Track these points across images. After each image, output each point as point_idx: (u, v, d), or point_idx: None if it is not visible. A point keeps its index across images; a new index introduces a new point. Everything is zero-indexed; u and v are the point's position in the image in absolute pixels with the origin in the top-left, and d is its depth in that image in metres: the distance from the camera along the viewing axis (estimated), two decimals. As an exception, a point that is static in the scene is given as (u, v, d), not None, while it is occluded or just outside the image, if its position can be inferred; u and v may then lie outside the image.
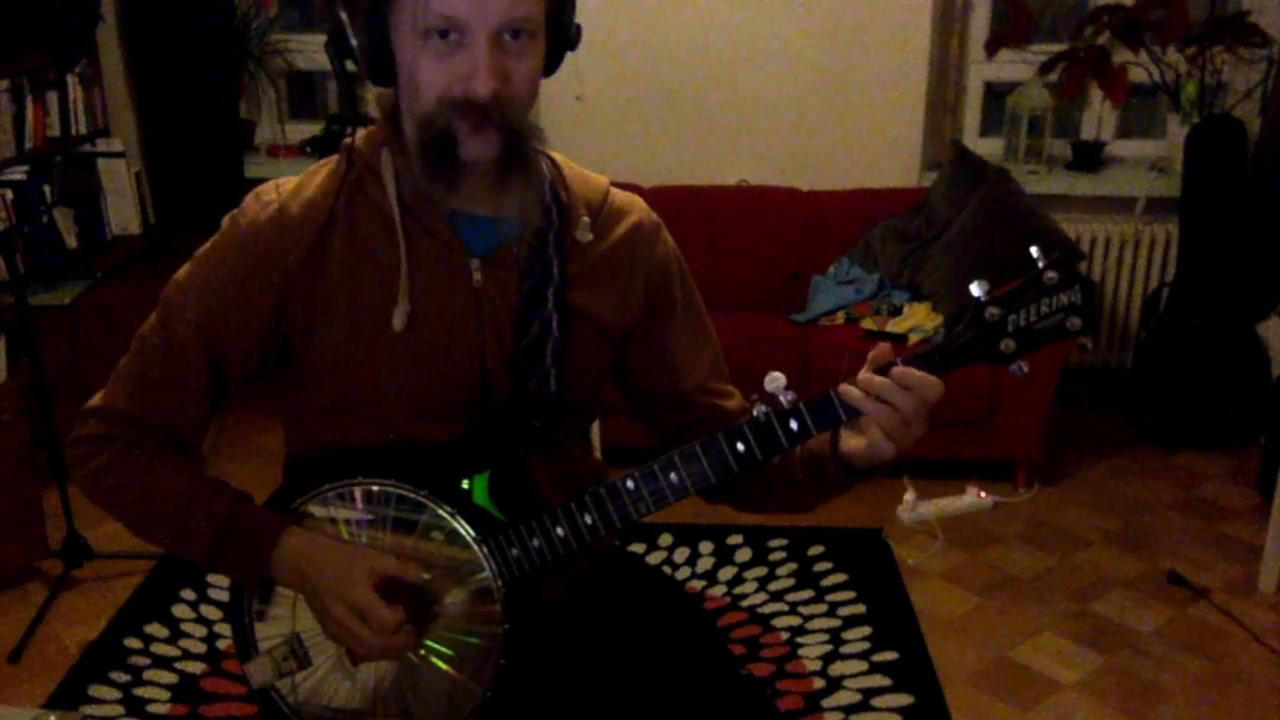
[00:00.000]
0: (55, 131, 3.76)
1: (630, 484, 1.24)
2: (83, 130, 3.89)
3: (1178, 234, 3.80)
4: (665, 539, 3.10)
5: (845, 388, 1.18)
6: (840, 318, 3.62)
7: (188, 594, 2.83)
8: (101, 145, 3.96)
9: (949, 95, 4.02)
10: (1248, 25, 3.56)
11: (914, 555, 3.07)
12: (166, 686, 2.50)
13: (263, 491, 1.36)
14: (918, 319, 3.50)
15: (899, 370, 1.17)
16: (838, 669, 2.57)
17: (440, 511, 1.27)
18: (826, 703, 2.45)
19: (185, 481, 1.28)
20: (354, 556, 1.25)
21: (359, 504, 1.28)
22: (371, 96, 1.31)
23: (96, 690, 2.48)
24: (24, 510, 2.86)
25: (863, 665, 2.58)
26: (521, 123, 1.20)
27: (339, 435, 1.31)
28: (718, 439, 1.21)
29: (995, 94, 4.13)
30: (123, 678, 2.53)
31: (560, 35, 1.24)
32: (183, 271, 1.30)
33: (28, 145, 3.60)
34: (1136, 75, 3.62)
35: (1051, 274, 1.16)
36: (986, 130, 4.18)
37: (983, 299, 1.17)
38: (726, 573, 2.96)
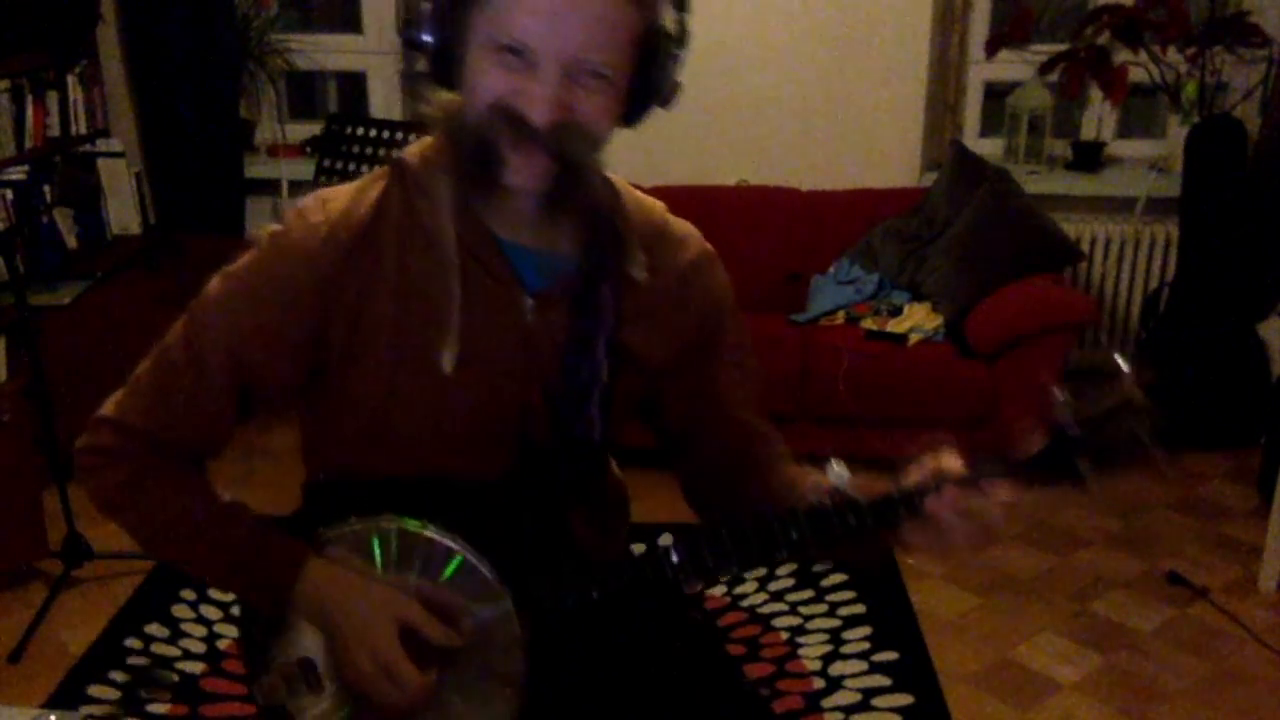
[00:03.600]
0: (55, 131, 3.76)
1: (675, 558, 1.18)
2: (83, 130, 3.89)
3: (1178, 234, 3.80)
4: (665, 539, 3.09)
5: (933, 502, 1.11)
6: (840, 318, 3.62)
7: (188, 594, 2.83)
8: (101, 145, 3.96)
9: (949, 95, 4.02)
10: (1248, 25, 3.56)
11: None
12: (166, 686, 2.50)
13: (265, 491, 1.33)
14: (918, 319, 3.50)
15: (990, 486, 1.12)
16: (838, 669, 2.57)
17: (471, 559, 1.20)
18: (826, 703, 2.45)
19: (203, 506, 1.23)
20: (380, 602, 1.18)
21: (389, 542, 1.22)
22: (429, 108, 1.22)
23: (96, 690, 2.48)
24: (24, 510, 2.86)
25: (863, 665, 2.58)
26: (579, 156, 1.12)
27: (366, 465, 1.25)
28: (771, 523, 1.16)
29: (995, 94, 4.13)
30: (123, 678, 2.52)
31: (649, 89, 1.17)
32: (214, 287, 1.23)
33: (28, 145, 3.60)
34: (1136, 75, 3.62)
35: (1139, 396, 1.11)
36: (986, 130, 4.18)
37: (1064, 418, 1.12)
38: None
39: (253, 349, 1.19)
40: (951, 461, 1.15)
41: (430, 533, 1.20)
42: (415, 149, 1.23)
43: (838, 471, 1.16)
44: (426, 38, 1.14)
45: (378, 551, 1.21)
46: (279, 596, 1.21)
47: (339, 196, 1.22)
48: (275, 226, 1.22)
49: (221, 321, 1.20)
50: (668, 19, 1.15)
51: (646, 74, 1.15)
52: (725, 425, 1.36)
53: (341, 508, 1.24)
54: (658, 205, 1.33)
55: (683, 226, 1.34)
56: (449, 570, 1.20)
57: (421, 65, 1.17)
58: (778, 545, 1.16)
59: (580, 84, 1.10)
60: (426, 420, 1.21)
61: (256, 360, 1.20)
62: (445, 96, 1.18)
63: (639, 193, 1.31)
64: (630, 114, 1.18)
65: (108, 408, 1.25)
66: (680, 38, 1.16)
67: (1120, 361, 1.12)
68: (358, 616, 1.18)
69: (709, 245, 1.35)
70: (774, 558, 1.18)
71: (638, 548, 2.97)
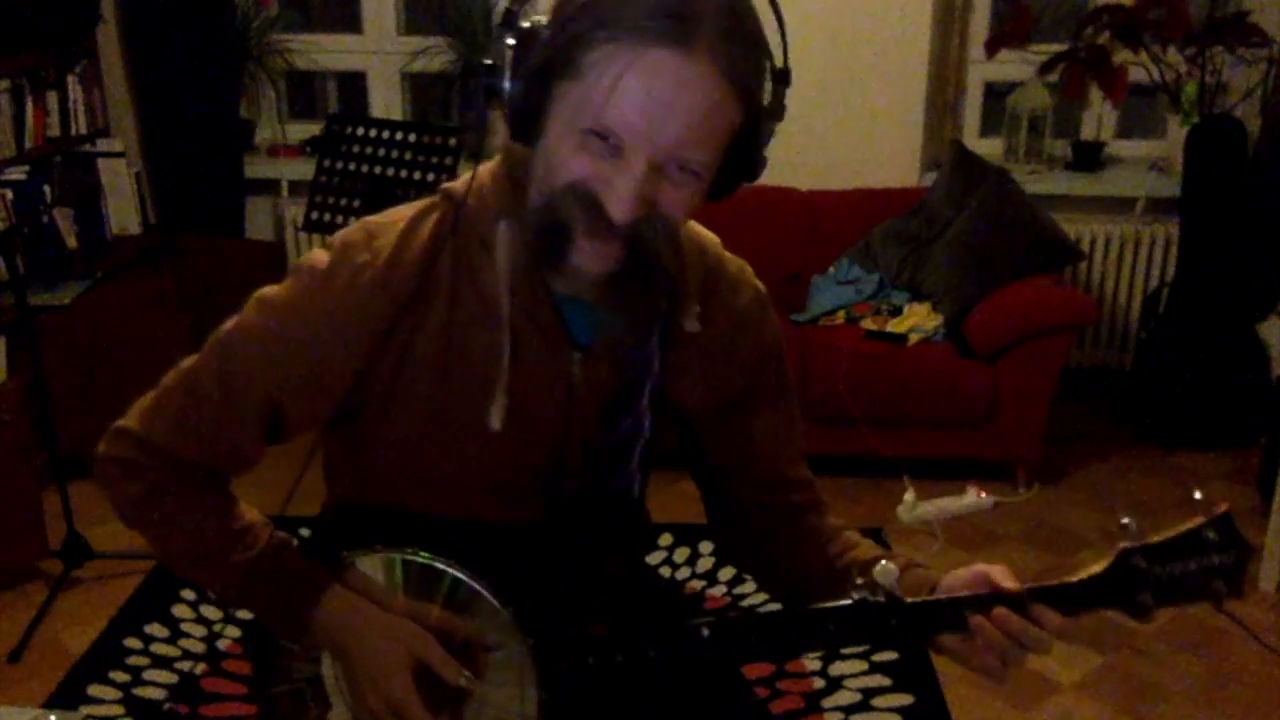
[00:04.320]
0: (55, 131, 3.76)
1: (706, 633, 1.12)
2: (83, 130, 3.89)
3: (1178, 234, 3.80)
4: (665, 539, 3.10)
5: (979, 618, 1.08)
6: (840, 318, 3.62)
7: (188, 594, 2.83)
8: (101, 145, 3.96)
9: (949, 95, 4.02)
10: (1248, 25, 3.56)
11: (914, 555, 3.05)
12: (166, 686, 2.50)
13: (267, 492, 1.32)
14: (918, 319, 3.50)
15: (1041, 612, 1.09)
16: (838, 669, 2.56)
17: (494, 602, 1.16)
18: (826, 703, 2.45)
19: (221, 528, 1.19)
20: (397, 637, 1.14)
21: (413, 575, 1.18)
22: (496, 146, 1.15)
23: (96, 690, 2.48)
24: (24, 510, 2.86)
25: (863, 665, 2.58)
26: (656, 246, 1.05)
27: (393, 498, 1.22)
28: (808, 617, 1.11)
29: (995, 94, 4.13)
30: (123, 678, 2.52)
31: (740, 169, 1.10)
32: (250, 318, 1.16)
33: (28, 145, 3.60)
34: (1136, 75, 3.62)
35: (1212, 533, 1.10)
36: (986, 130, 4.18)
37: (1132, 545, 1.10)
38: (726, 573, 2.96)
39: (289, 386, 1.15)
40: (1003, 576, 1.12)
41: (456, 571, 1.16)
42: (470, 184, 1.14)
43: (887, 568, 1.10)
44: (507, 87, 1.05)
45: (400, 581, 1.19)
46: (296, 623, 1.18)
47: (387, 233, 1.13)
48: (319, 258, 1.14)
49: (258, 358, 1.15)
50: (768, 96, 1.08)
51: (739, 154, 1.08)
52: (763, 476, 1.32)
53: (366, 533, 1.21)
54: (712, 242, 1.27)
55: (736, 266, 1.29)
56: (470, 609, 1.17)
57: (494, 109, 1.08)
58: (814, 640, 1.13)
59: (668, 177, 1.03)
60: (460, 467, 1.18)
61: (292, 398, 1.16)
62: (513, 145, 1.11)
63: (695, 226, 1.24)
64: (716, 191, 1.11)
65: (131, 419, 1.20)
66: (777, 113, 1.10)
67: (1198, 494, 1.10)
68: (373, 651, 1.14)
69: (761, 286, 1.30)
70: (809, 650, 1.17)
71: (654, 559, 2.95)
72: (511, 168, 1.13)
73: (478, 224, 1.13)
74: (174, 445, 1.18)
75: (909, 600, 1.10)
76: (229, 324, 1.18)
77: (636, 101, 0.98)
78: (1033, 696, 2.49)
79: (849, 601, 1.11)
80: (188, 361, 1.20)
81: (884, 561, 1.11)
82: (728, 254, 1.29)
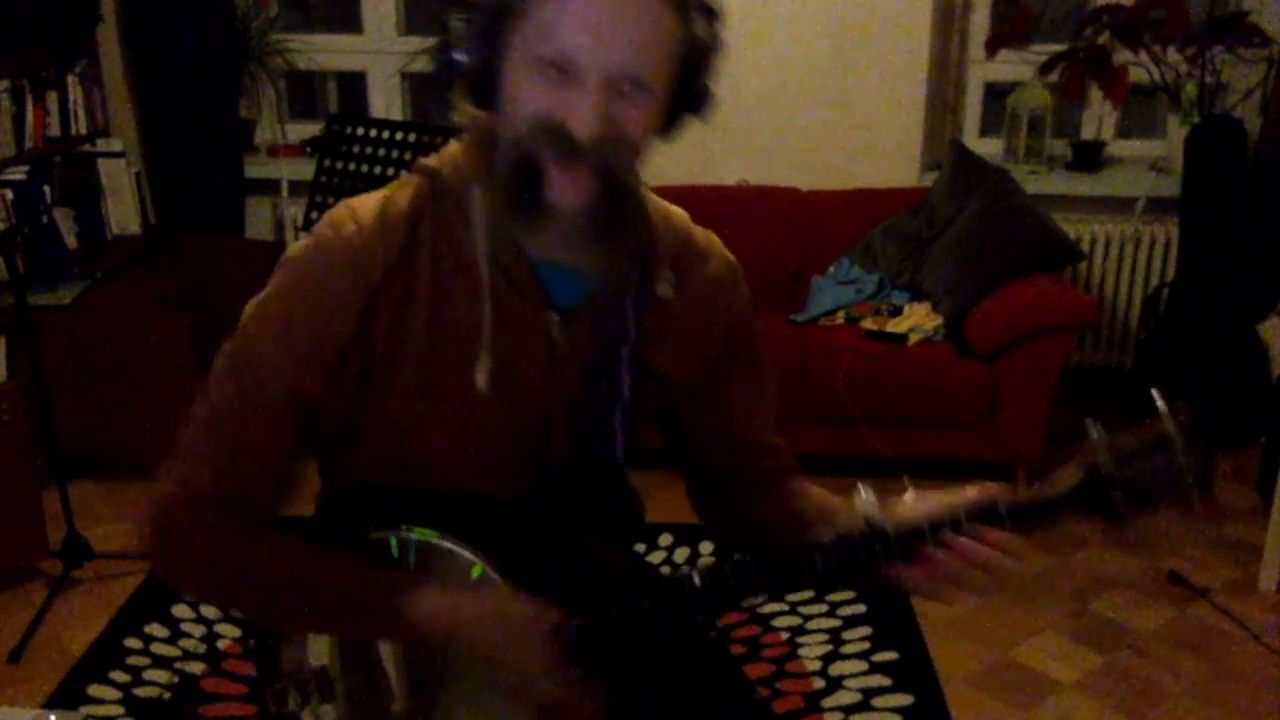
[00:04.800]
0: (55, 131, 3.76)
1: (697, 580, 1.16)
2: (83, 130, 3.89)
3: (1178, 234, 3.80)
4: (665, 539, 3.10)
5: (954, 537, 1.11)
6: (840, 318, 3.62)
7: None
8: (101, 145, 3.96)
9: (949, 95, 4.02)
10: (1248, 25, 3.56)
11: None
12: (166, 686, 2.50)
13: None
14: (918, 319, 3.50)
15: (1000, 538, 1.11)
16: (838, 669, 2.57)
17: (493, 575, 1.19)
18: (826, 703, 2.45)
19: (292, 559, 1.18)
20: (496, 607, 1.16)
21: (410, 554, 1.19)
22: (462, 116, 1.20)
23: (96, 690, 2.48)
24: (24, 510, 2.86)
25: (863, 665, 2.58)
26: (623, 171, 1.11)
27: (388, 477, 1.23)
28: (795, 554, 1.15)
29: (995, 94, 4.13)
30: (123, 678, 2.52)
31: (688, 101, 1.16)
32: (251, 322, 1.17)
33: (28, 145, 3.59)
34: (1136, 75, 3.62)
35: (1174, 431, 1.11)
36: (986, 130, 4.18)
37: (1099, 448, 1.12)
38: (726, 573, 2.95)
39: (304, 369, 1.15)
40: (974, 494, 1.14)
41: (449, 544, 1.18)
42: (444, 158, 1.20)
43: (866, 498, 1.14)
44: (463, 57, 1.11)
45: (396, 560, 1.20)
46: (391, 629, 1.17)
47: (367, 206, 1.18)
48: (305, 243, 1.17)
49: (269, 349, 1.15)
50: (702, 28, 1.14)
51: (684, 85, 1.14)
52: (738, 443, 1.35)
53: (358, 520, 1.21)
54: (680, 214, 1.31)
55: (706, 238, 1.32)
56: (469, 582, 1.19)
57: (456, 79, 1.14)
58: (803, 574, 1.15)
59: (624, 96, 1.08)
60: (454, 439, 1.19)
61: (311, 379, 1.15)
62: (478, 113, 1.16)
63: (661, 200, 1.29)
64: (667, 125, 1.16)
65: (166, 485, 1.18)
66: (716, 46, 1.16)
67: (1158, 398, 1.12)
68: (488, 635, 1.15)
69: (732, 257, 1.34)
70: (798, 586, 1.17)
71: (637, 548, 2.95)
72: (480, 136, 1.17)
73: (453, 192, 1.17)
74: (223, 485, 1.16)
75: (891, 526, 1.12)
76: (228, 342, 1.18)
77: (581, 21, 1.04)
78: (1033, 696, 2.49)
79: (833, 534, 1.14)
80: (198, 404, 1.18)
81: (863, 491, 1.14)
82: (696, 226, 1.32)
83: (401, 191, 1.19)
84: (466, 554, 1.19)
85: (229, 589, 1.21)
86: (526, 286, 1.18)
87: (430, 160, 1.20)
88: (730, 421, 1.34)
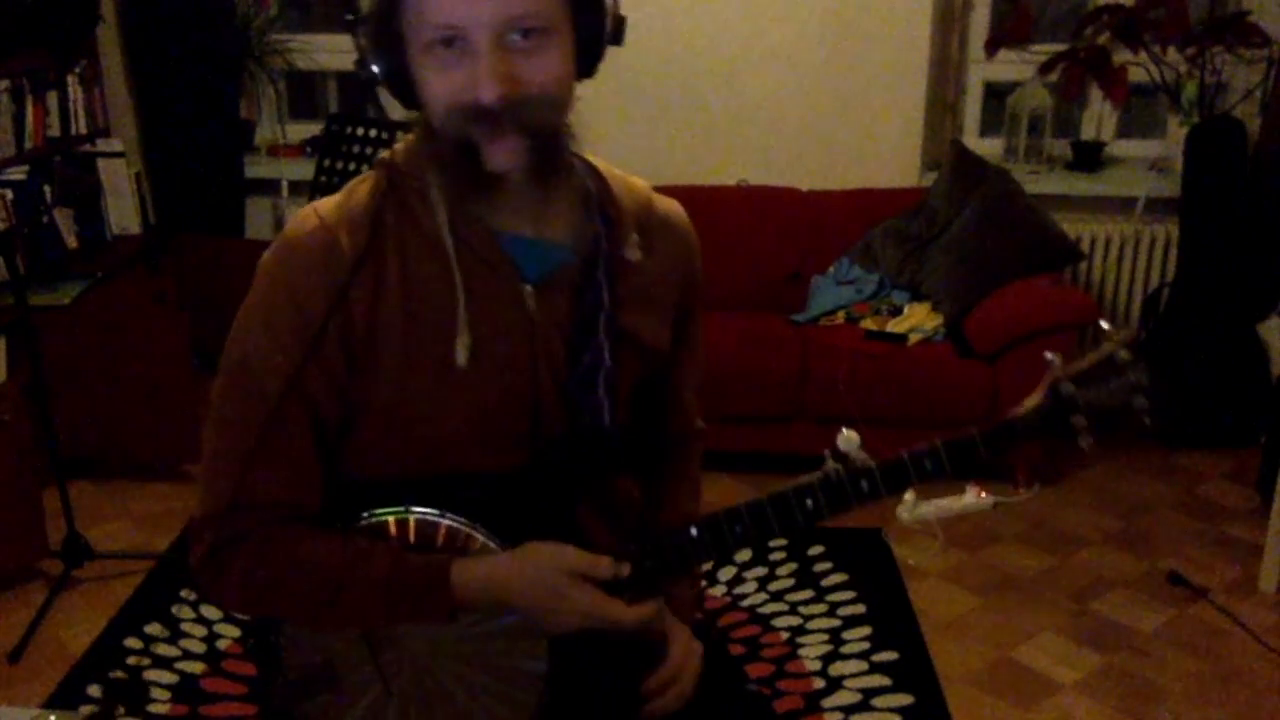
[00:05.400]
0: (55, 131, 3.77)
1: (694, 532, 1.21)
2: (83, 130, 3.89)
3: (1178, 234, 3.80)
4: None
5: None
6: (840, 318, 3.62)
7: (188, 594, 2.82)
8: (101, 145, 3.96)
9: (949, 95, 4.02)
10: (1248, 25, 3.56)
11: (914, 555, 3.07)
12: (166, 686, 2.50)
13: None
14: (918, 319, 3.51)
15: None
16: (838, 669, 2.57)
17: (491, 546, 1.20)
18: (826, 703, 2.45)
19: (333, 556, 1.18)
20: (544, 566, 1.18)
21: (410, 537, 1.20)
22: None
23: (96, 690, 2.48)
24: (24, 510, 2.86)
25: (863, 665, 2.58)
26: (546, 123, 1.13)
27: (382, 471, 1.24)
28: (787, 495, 1.21)
29: (995, 94, 4.13)
30: (123, 678, 2.52)
31: (592, 30, 1.15)
32: (237, 335, 1.19)
33: (28, 145, 3.60)
34: (1136, 75, 3.62)
35: (1125, 352, 1.20)
36: (986, 130, 4.18)
37: (1058, 374, 1.21)
38: (726, 573, 2.96)
39: (299, 358, 1.16)
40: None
41: (449, 521, 1.20)
42: (399, 150, 1.24)
43: (848, 436, 1.21)
44: (375, 69, 1.15)
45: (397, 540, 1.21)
46: (440, 607, 1.18)
47: (329, 202, 1.21)
48: (274, 246, 1.21)
49: (261, 351, 1.16)
50: None
51: (586, 13, 1.14)
52: (675, 405, 1.42)
53: (353, 508, 1.22)
54: (642, 184, 1.34)
55: (669, 204, 1.36)
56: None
57: (379, 86, 1.18)
58: (795, 517, 1.21)
59: (518, 49, 1.09)
60: (441, 420, 1.20)
61: (307, 368, 1.16)
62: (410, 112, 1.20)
63: (623, 174, 1.32)
64: (583, 61, 1.16)
65: (197, 513, 1.20)
66: None
67: (1104, 324, 1.25)
68: (538, 588, 1.17)
69: (687, 217, 1.38)
70: (791, 529, 1.23)
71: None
72: (426, 125, 1.20)
73: (411, 178, 1.20)
74: (247, 495, 1.17)
75: (875, 462, 1.21)
76: (222, 358, 1.20)
77: None
78: (1033, 696, 2.49)
79: (820, 475, 1.21)
80: (207, 428, 1.20)
81: (845, 430, 1.22)
82: (659, 195, 1.36)
83: (361, 186, 1.22)
84: (465, 529, 1.20)
85: (274, 598, 1.20)
86: (495, 260, 1.20)
87: (386, 154, 1.24)
88: (680, 382, 1.41)
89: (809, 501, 1.21)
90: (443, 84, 1.10)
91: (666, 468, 1.46)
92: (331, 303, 1.15)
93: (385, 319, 1.17)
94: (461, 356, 1.17)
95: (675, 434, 1.45)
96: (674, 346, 1.36)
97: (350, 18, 1.17)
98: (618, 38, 1.18)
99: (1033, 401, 1.21)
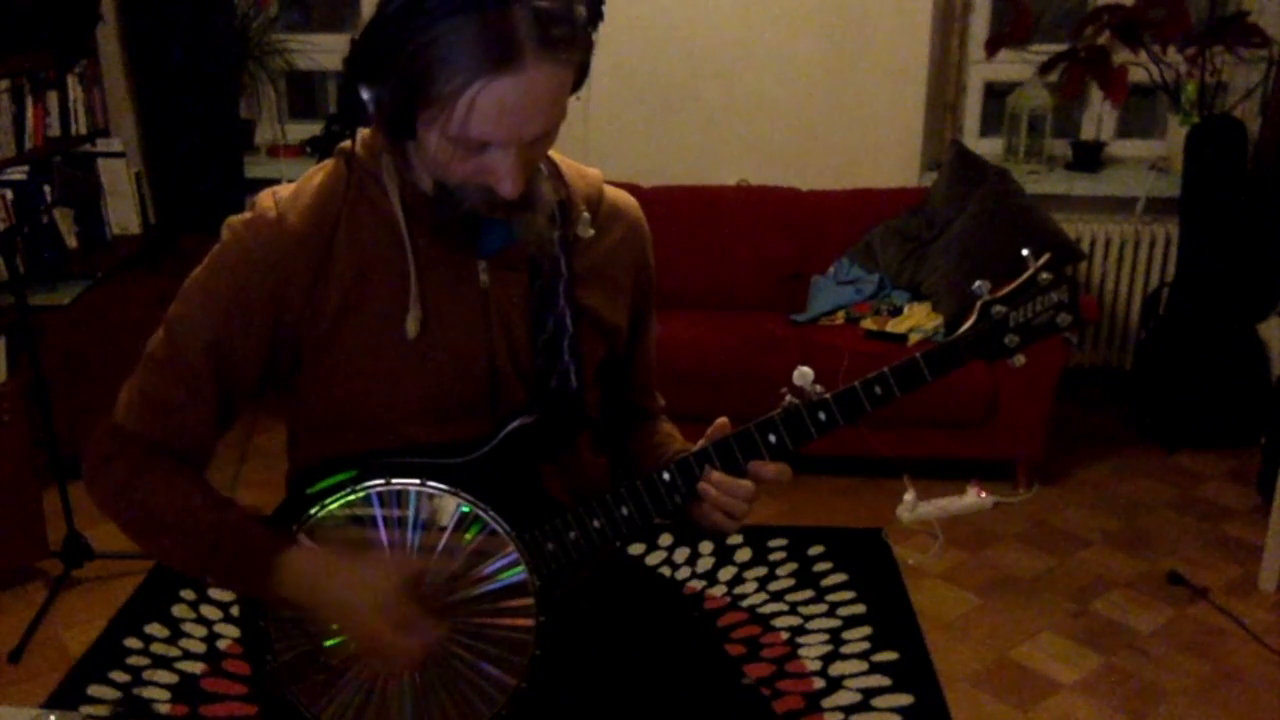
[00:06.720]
0: (55, 131, 3.77)
1: (666, 476, 1.28)
2: (83, 130, 3.89)
3: (1178, 234, 3.80)
4: (665, 539, 3.10)
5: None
6: (840, 318, 3.62)
7: (188, 594, 2.83)
8: (101, 145, 3.96)
9: (949, 95, 4.02)
10: (1248, 25, 3.56)
11: (914, 555, 3.07)
12: (166, 686, 2.50)
13: (258, 491, 1.34)
14: (918, 319, 3.50)
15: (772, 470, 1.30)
16: (838, 669, 2.57)
17: (466, 505, 1.24)
18: (826, 703, 2.45)
19: (192, 499, 1.25)
20: (374, 568, 1.22)
21: (376, 507, 1.25)
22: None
23: (96, 690, 2.48)
24: (24, 510, 2.86)
25: (863, 665, 2.58)
26: (538, 199, 1.23)
27: (346, 446, 1.28)
28: (750, 432, 1.28)
29: (995, 94, 4.13)
30: (123, 678, 2.52)
31: (581, 80, 1.22)
32: (185, 288, 1.28)
33: (28, 145, 3.60)
34: (1136, 75, 3.62)
35: (1045, 274, 1.32)
36: (986, 130, 4.18)
37: (987, 298, 1.32)
38: (726, 573, 2.96)
39: (226, 337, 1.24)
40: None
41: (422, 489, 1.24)
42: (358, 140, 1.27)
43: (803, 372, 1.28)
44: (371, 100, 1.15)
45: (379, 512, 1.25)
46: (261, 581, 1.23)
47: (287, 186, 1.28)
48: (232, 221, 1.27)
49: (194, 314, 1.25)
50: (588, 53, 1.17)
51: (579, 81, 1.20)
52: (638, 385, 1.50)
53: (315, 480, 1.28)
54: (597, 174, 1.40)
55: (619, 193, 1.42)
56: (439, 522, 1.25)
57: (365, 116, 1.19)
58: (759, 450, 1.28)
59: (535, 145, 1.17)
60: (398, 394, 1.25)
61: (232, 348, 1.24)
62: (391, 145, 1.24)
63: (578, 164, 1.39)
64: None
65: (107, 419, 1.30)
66: (595, 21, 1.18)
67: (1025, 251, 1.37)
68: (355, 584, 1.21)
69: (642, 213, 1.44)
70: (759, 459, 1.29)
71: (636, 548, 2.94)
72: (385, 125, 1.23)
73: (367, 163, 1.25)
74: (143, 427, 1.27)
75: (831, 394, 1.29)
76: (170, 306, 1.29)
77: (493, 116, 1.10)
78: (1033, 696, 2.49)
79: (780, 410, 1.29)
80: (144, 355, 1.31)
81: (800, 368, 1.29)
82: (610, 186, 1.42)
83: (318, 171, 1.29)
84: (444, 493, 1.25)
85: (139, 524, 1.28)
86: (449, 237, 1.25)
87: (345, 144, 1.28)
88: (635, 366, 1.48)
89: (772, 437, 1.28)
90: (464, 167, 1.15)
91: (633, 437, 1.51)
92: (270, 279, 1.22)
93: (338, 291, 1.23)
94: (412, 329, 1.23)
95: (639, 409, 1.52)
96: (632, 333, 1.43)
97: (367, 70, 1.14)
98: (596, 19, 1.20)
99: (967, 322, 1.32)
